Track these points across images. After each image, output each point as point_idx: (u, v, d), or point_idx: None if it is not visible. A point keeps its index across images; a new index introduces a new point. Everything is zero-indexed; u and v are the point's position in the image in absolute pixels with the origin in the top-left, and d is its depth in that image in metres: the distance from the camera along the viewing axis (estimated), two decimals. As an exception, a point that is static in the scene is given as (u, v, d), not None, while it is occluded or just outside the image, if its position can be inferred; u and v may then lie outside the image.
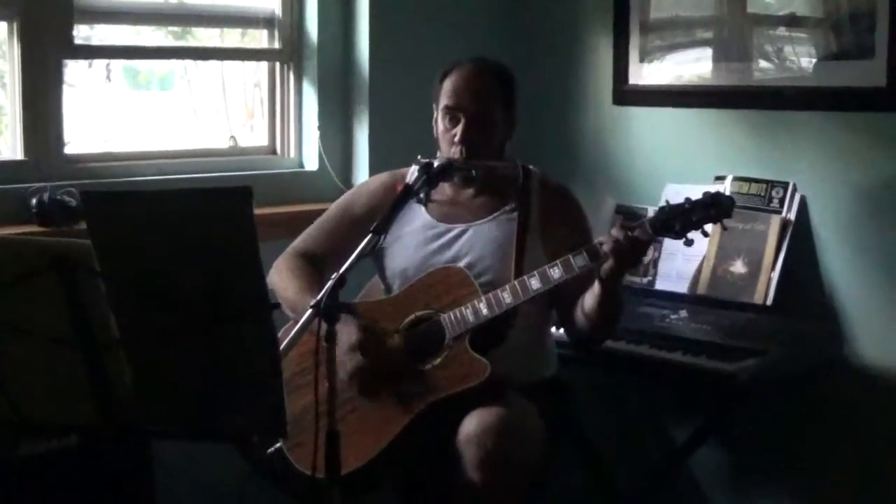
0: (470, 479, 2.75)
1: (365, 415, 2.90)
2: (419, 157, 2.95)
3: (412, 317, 2.99)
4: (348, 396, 2.87)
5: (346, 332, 2.85)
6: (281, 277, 3.14)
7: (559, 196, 3.19)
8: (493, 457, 2.73)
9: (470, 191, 3.17)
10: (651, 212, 2.93)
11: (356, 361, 2.88)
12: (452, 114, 3.08)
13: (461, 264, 3.04)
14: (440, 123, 3.13)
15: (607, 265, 2.81)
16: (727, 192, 3.48)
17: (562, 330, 3.30)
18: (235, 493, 2.67)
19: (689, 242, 2.80)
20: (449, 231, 3.13)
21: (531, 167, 3.21)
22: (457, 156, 3.03)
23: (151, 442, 2.99)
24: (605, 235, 2.84)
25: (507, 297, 2.89)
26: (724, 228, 2.82)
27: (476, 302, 2.91)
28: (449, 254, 3.09)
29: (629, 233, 2.78)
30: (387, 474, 2.97)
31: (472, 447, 2.75)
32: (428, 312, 2.97)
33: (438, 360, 2.90)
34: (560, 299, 3.06)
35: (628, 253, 2.79)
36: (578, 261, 2.84)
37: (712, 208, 2.77)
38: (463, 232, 3.12)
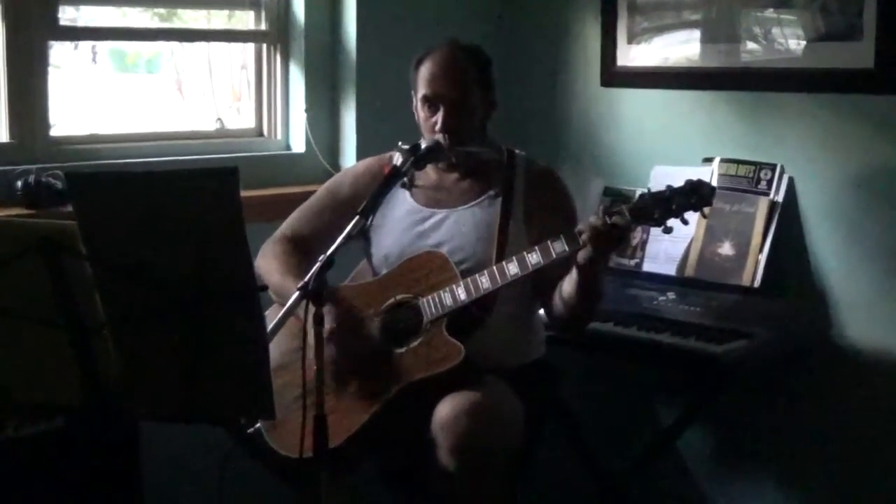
0: (445, 465, 2.74)
1: (341, 397, 2.89)
2: (400, 143, 2.94)
3: (392, 300, 2.98)
4: (326, 379, 2.86)
5: (326, 317, 2.83)
6: (267, 261, 3.13)
7: (544, 180, 3.17)
8: (465, 441, 2.72)
9: (454, 175, 3.16)
10: (639, 194, 2.91)
11: (332, 346, 2.87)
12: (431, 102, 3.06)
13: (444, 249, 3.02)
14: (420, 112, 3.11)
15: (585, 252, 2.78)
16: (715, 174, 3.50)
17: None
18: (217, 470, 2.67)
19: (669, 230, 2.77)
20: (432, 216, 3.11)
21: (516, 151, 3.20)
22: (441, 142, 3.02)
23: (138, 424, 2.99)
24: (584, 223, 2.78)
25: (484, 281, 2.87)
26: (704, 216, 2.80)
27: (454, 286, 2.89)
28: (432, 239, 3.08)
29: (607, 219, 2.73)
30: (364, 457, 2.96)
31: (444, 432, 2.74)
32: (407, 296, 2.96)
33: (415, 344, 2.89)
34: (541, 284, 3.03)
35: (606, 240, 2.74)
36: (557, 247, 2.80)
37: (692, 196, 2.73)
38: (446, 217, 3.10)
